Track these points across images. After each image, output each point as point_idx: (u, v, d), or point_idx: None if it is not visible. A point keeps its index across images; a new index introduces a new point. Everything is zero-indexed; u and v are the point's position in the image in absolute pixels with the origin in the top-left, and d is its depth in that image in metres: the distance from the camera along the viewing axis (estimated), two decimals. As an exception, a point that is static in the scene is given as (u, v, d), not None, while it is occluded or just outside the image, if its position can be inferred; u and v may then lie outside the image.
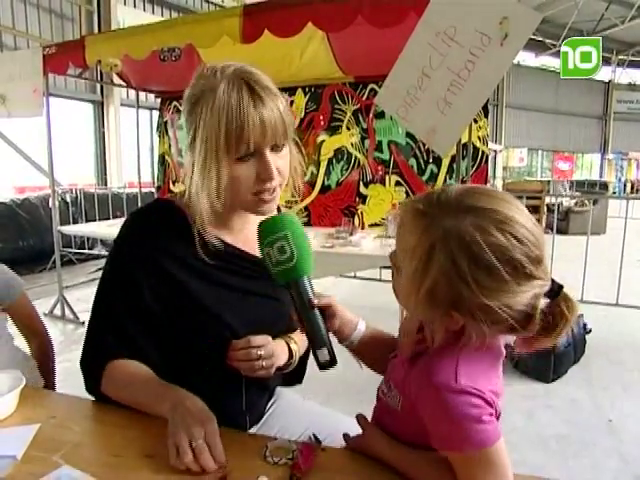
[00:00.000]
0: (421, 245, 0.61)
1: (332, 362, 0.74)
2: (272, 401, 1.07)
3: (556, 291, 0.63)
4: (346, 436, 0.79)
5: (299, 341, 0.97)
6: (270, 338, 0.86)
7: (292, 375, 1.03)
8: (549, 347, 0.65)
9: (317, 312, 0.75)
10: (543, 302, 0.62)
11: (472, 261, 0.58)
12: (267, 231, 0.75)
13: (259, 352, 0.83)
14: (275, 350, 0.86)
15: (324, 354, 0.73)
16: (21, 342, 1.32)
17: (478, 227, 0.59)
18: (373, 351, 0.84)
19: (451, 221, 0.60)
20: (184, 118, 0.87)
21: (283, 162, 0.86)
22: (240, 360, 0.84)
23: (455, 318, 0.62)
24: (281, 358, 0.90)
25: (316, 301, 0.75)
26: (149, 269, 0.86)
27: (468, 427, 0.60)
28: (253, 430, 0.98)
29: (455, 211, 0.61)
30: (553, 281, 0.63)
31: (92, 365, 0.89)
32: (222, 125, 0.78)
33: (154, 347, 0.88)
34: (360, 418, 0.79)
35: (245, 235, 0.96)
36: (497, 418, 0.63)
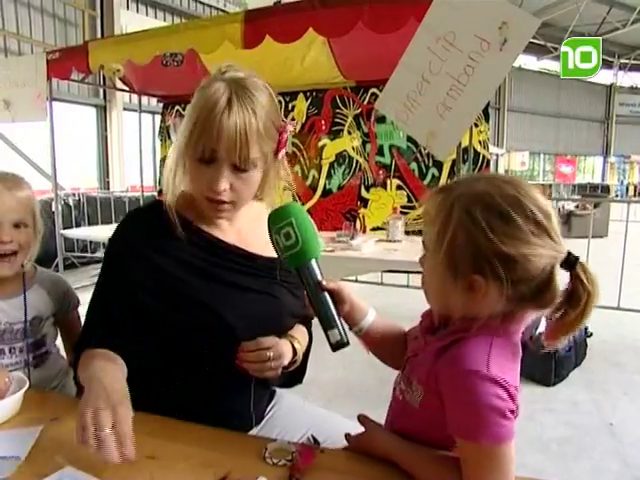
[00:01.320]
0: (441, 210, 0.66)
1: (343, 342, 0.76)
2: (273, 403, 1.08)
3: (573, 262, 0.64)
4: (348, 435, 0.80)
5: (302, 340, 0.98)
6: (277, 339, 0.88)
7: (293, 375, 1.04)
8: (579, 330, 0.66)
9: (327, 295, 0.78)
10: (563, 274, 0.63)
11: (485, 209, 0.63)
12: (274, 220, 0.79)
13: (269, 353, 0.84)
14: (282, 350, 0.88)
15: (335, 334, 0.75)
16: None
17: (490, 184, 0.66)
18: (381, 340, 0.86)
19: (466, 187, 0.67)
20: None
21: (242, 183, 0.86)
22: (251, 362, 0.85)
23: (478, 282, 0.64)
24: (287, 357, 0.91)
25: (324, 282, 0.78)
26: (142, 265, 0.88)
27: (489, 418, 0.61)
28: (254, 431, 0.99)
29: (469, 181, 0.69)
30: (569, 253, 0.64)
31: (77, 355, 0.91)
32: (191, 121, 0.83)
33: (148, 343, 0.88)
34: (362, 417, 0.80)
35: (237, 233, 0.97)
36: (516, 415, 0.64)
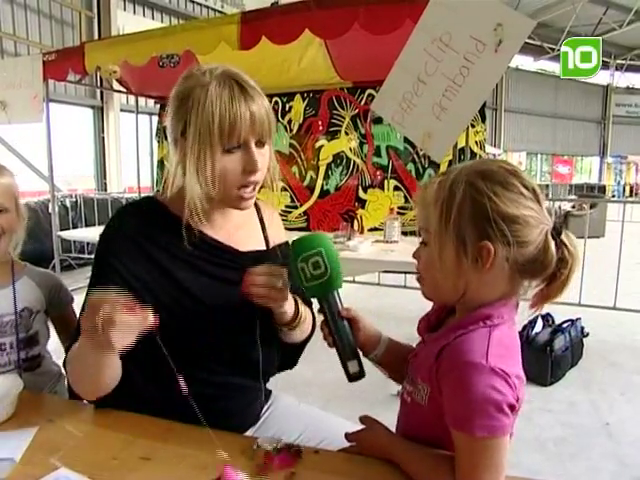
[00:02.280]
0: (441, 191, 0.70)
1: (361, 374, 0.77)
2: (268, 404, 1.08)
3: (559, 230, 0.70)
4: (347, 433, 0.80)
5: (305, 313, 0.98)
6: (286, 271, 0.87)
7: (285, 357, 1.05)
8: (557, 296, 0.71)
9: (346, 324, 0.78)
10: (552, 243, 0.68)
11: (486, 178, 0.69)
12: (302, 248, 0.79)
13: (277, 282, 0.84)
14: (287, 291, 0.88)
15: (354, 365, 0.76)
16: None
17: (485, 163, 0.73)
18: (394, 362, 0.86)
19: (463, 168, 0.72)
20: (170, 116, 0.91)
21: (264, 159, 0.90)
22: (258, 285, 0.83)
23: (486, 247, 0.67)
24: (290, 305, 0.91)
25: (344, 313, 0.78)
26: (139, 258, 0.89)
27: (485, 410, 0.62)
28: (249, 433, 0.99)
29: (464, 164, 0.75)
30: (555, 222, 0.70)
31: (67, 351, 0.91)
32: (216, 117, 0.82)
33: (141, 343, 0.88)
34: (364, 418, 0.81)
35: (227, 231, 0.97)
36: (518, 408, 0.65)
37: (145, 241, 0.90)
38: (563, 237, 0.70)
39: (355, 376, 0.76)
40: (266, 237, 1.04)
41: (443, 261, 0.70)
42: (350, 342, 0.78)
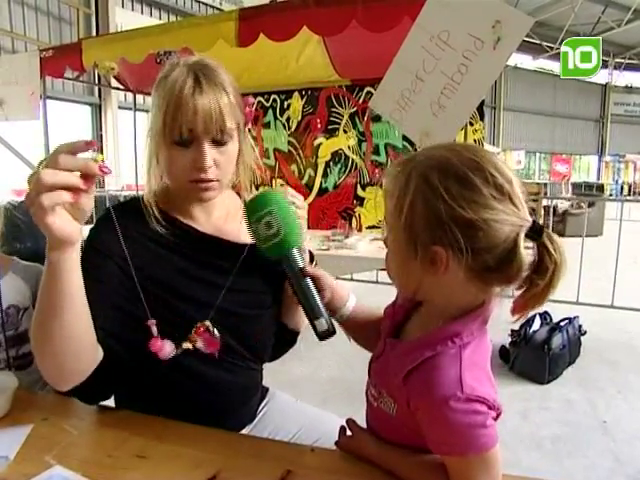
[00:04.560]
0: (398, 181, 0.63)
1: (330, 331, 0.75)
2: (265, 402, 1.07)
3: (538, 231, 0.61)
4: (337, 441, 0.79)
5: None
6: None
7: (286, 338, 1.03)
8: (541, 305, 0.62)
9: (310, 282, 0.77)
10: (525, 242, 0.60)
11: (442, 173, 0.60)
12: (252, 209, 0.77)
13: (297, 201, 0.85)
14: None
15: (322, 324, 0.74)
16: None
17: (447, 150, 0.63)
18: (363, 327, 0.84)
19: (424, 155, 0.64)
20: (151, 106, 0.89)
21: (224, 158, 0.86)
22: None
23: (438, 253, 0.60)
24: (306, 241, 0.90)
25: (307, 270, 0.77)
26: (122, 262, 0.86)
27: (472, 434, 0.60)
28: (245, 430, 0.99)
29: (427, 149, 0.66)
30: (534, 221, 0.61)
31: None
32: (162, 107, 0.82)
33: (135, 342, 0.85)
34: (349, 422, 0.79)
35: (213, 225, 0.95)
36: (498, 416, 0.63)
37: (133, 234, 0.89)
38: (545, 239, 0.60)
39: (324, 334, 0.74)
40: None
41: (396, 256, 0.67)
42: (315, 300, 0.76)
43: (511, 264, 0.60)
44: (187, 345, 0.84)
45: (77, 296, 0.72)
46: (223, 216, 0.97)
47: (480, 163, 0.60)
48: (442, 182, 0.59)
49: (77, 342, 0.75)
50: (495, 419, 0.63)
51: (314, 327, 0.75)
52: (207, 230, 0.93)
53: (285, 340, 1.02)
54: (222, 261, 0.92)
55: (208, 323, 0.86)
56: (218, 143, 0.85)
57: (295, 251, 0.78)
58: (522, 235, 0.60)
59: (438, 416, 0.61)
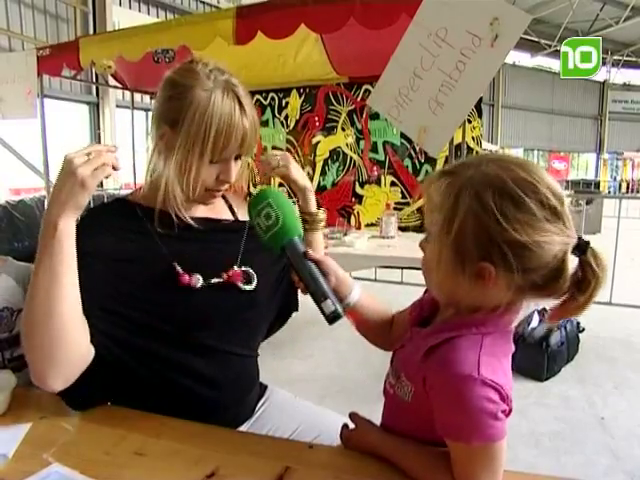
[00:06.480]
0: (448, 196, 0.63)
1: (338, 314, 0.75)
2: (263, 399, 1.07)
3: (584, 248, 0.62)
4: (340, 434, 0.79)
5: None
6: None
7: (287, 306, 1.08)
8: (579, 313, 0.64)
9: (314, 266, 0.78)
10: (572, 260, 0.61)
11: (497, 194, 0.60)
12: (253, 205, 0.81)
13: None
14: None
15: (329, 305, 0.74)
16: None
17: (501, 167, 0.62)
18: (368, 318, 0.85)
19: (475, 170, 0.63)
20: (163, 99, 0.88)
21: (238, 170, 0.93)
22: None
23: (487, 270, 0.61)
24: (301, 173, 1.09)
25: (311, 252, 0.78)
26: (109, 240, 0.88)
27: (481, 421, 0.60)
28: (244, 427, 0.99)
29: (478, 163, 0.64)
30: (580, 238, 0.62)
31: None
32: (213, 130, 0.83)
33: (132, 340, 0.87)
34: (353, 415, 0.80)
35: (203, 211, 0.98)
36: (509, 413, 0.63)
37: (118, 232, 0.90)
38: (589, 256, 0.61)
39: (332, 316, 0.74)
40: (235, 216, 1.05)
41: (440, 267, 0.66)
42: (320, 283, 0.76)
43: (557, 281, 0.61)
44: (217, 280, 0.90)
45: (73, 262, 0.79)
46: (205, 209, 1.00)
47: (535, 185, 0.60)
48: (497, 204, 0.59)
49: (70, 322, 0.78)
50: (507, 415, 0.62)
51: (322, 310, 0.75)
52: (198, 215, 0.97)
53: (279, 321, 1.08)
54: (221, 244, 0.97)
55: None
56: (238, 157, 0.91)
57: (296, 238, 0.79)
58: (569, 253, 0.61)
59: (451, 394, 0.62)
